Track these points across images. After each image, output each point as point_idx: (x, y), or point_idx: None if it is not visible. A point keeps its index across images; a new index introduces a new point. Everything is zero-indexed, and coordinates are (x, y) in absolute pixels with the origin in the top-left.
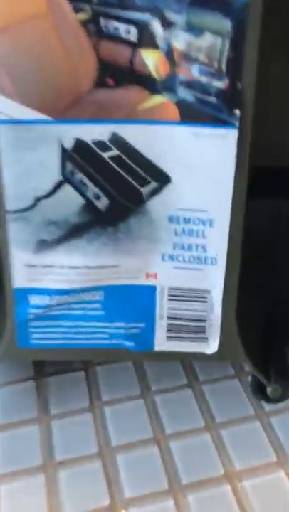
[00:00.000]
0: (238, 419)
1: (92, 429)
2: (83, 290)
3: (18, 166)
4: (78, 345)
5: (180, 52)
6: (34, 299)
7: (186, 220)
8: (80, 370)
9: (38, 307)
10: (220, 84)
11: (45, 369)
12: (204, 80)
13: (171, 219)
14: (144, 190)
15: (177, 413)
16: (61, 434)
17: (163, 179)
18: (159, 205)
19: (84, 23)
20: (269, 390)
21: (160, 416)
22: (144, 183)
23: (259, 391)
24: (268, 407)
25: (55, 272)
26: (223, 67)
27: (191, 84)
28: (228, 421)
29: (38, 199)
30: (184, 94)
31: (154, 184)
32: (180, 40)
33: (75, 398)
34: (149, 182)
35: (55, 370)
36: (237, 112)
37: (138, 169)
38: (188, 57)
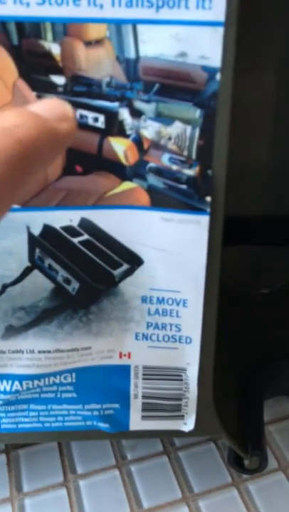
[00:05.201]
0: (216, 487)
1: (66, 505)
2: (54, 374)
3: None
4: (50, 428)
5: (149, 140)
6: (3, 385)
7: (160, 300)
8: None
9: (7, 393)
10: (190, 171)
11: None
12: (174, 167)
13: (144, 299)
14: (116, 273)
15: (154, 483)
16: None
17: (135, 261)
18: (132, 286)
19: None
20: (246, 462)
21: (136, 487)
22: (116, 265)
23: (236, 463)
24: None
25: (24, 357)
26: (194, 155)
27: (161, 172)
28: (207, 491)
29: (5, 286)
30: (154, 181)
31: (126, 266)
32: (149, 129)
33: (48, 472)
34: (121, 264)
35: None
36: (208, 198)
37: (109, 252)
38: (157, 146)
